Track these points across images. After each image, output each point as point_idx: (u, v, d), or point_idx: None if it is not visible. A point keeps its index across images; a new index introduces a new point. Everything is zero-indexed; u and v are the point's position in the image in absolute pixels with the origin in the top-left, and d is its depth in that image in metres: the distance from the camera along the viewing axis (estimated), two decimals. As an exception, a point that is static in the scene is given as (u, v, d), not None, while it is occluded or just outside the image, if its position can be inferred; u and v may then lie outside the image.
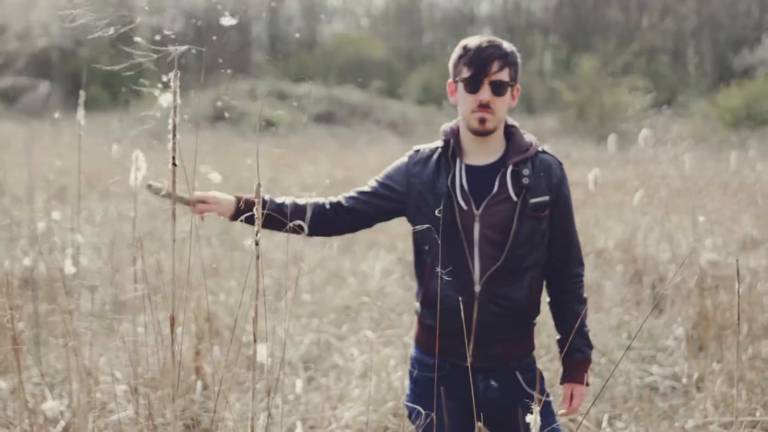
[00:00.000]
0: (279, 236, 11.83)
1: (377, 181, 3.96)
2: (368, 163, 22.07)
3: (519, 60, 3.85)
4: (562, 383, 3.98)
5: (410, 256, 11.06)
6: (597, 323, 7.83)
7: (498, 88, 3.75)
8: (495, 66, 3.73)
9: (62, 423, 5.32)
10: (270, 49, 58.89)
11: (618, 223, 12.26)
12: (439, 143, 3.90)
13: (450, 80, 3.90)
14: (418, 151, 3.94)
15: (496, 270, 3.71)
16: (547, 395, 3.92)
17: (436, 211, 3.69)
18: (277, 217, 3.88)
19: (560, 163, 3.93)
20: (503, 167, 3.80)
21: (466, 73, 3.76)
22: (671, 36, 54.06)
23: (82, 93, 4.77)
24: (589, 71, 40.78)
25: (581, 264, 3.99)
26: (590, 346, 3.96)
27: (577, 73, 42.02)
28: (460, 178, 3.77)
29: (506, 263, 3.72)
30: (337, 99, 42.97)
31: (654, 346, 7.74)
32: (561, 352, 3.97)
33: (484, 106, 3.74)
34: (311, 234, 3.99)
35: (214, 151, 22.35)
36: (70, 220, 5.71)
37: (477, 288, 3.72)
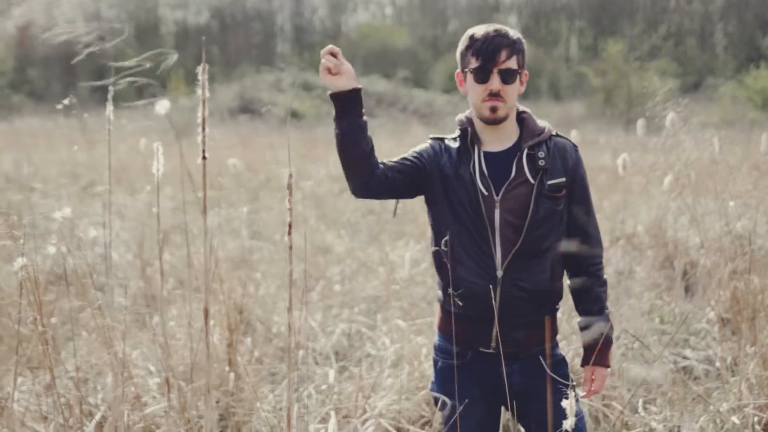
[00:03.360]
0: (306, 227, 11.83)
1: (408, 154, 4.01)
2: (395, 152, 22.04)
3: (525, 46, 3.87)
4: (583, 365, 4.01)
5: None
6: (629, 309, 7.80)
7: (507, 77, 3.77)
8: (503, 55, 3.75)
9: (97, 417, 5.35)
10: (295, 41, 58.95)
11: (648, 207, 12.21)
12: (456, 133, 3.94)
13: (458, 71, 3.91)
14: (439, 139, 3.99)
15: (516, 253, 3.73)
16: (571, 381, 3.90)
17: (460, 198, 3.77)
18: (361, 131, 3.89)
19: (575, 146, 3.95)
20: (519, 152, 3.83)
21: (474, 63, 3.78)
22: (699, 18, 53.76)
23: (110, 88, 4.77)
24: (616, 56, 40.66)
25: (600, 245, 4.00)
26: (612, 328, 3.98)
27: (603, 58, 41.89)
28: (480, 164, 3.81)
29: (525, 245, 3.75)
30: (363, 89, 42.93)
31: (687, 330, 7.71)
32: (582, 335, 3.98)
33: (494, 95, 3.77)
34: (358, 177, 3.98)
35: (240, 144, 22.39)
36: (102, 215, 5.72)
37: (499, 273, 3.74)
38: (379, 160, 3.91)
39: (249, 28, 58.16)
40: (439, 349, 3.99)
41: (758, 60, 40.84)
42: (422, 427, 5.68)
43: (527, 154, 3.81)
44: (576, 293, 4.01)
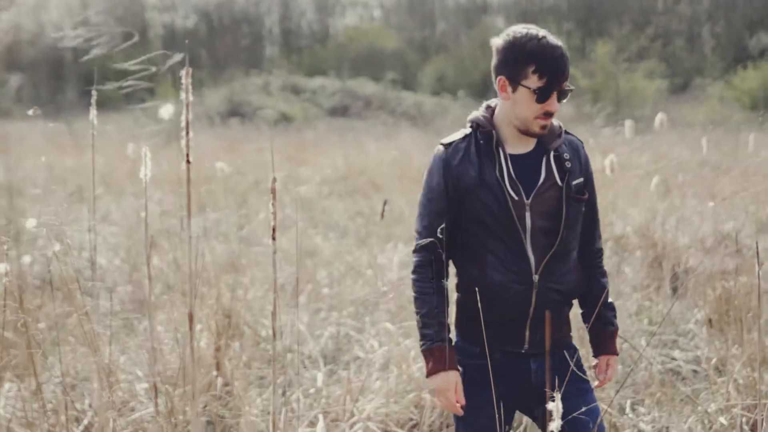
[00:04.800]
0: (294, 231, 11.84)
1: (433, 206, 3.82)
2: (383, 155, 22.06)
3: None
4: (596, 356, 4.04)
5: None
6: (617, 309, 7.79)
7: (563, 96, 3.71)
8: (566, 76, 3.68)
9: (84, 422, 5.34)
10: (283, 44, 58.94)
11: (636, 208, 12.21)
12: (465, 131, 3.85)
13: (503, 77, 3.71)
14: (449, 145, 3.83)
15: (550, 257, 3.72)
16: (585, 372, 3.94)
17: (489, 204, 3.70)
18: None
19: (581, 142, 3.95)
20: (545, 153, 3.79)
21: (537, 82, 3.62)
22: (686, 19, 53.88)
23: (94, 92, 4.75)
24: (604, 57, 40.70)
25: (601, 238, 4.05)
26: (616, 317, 4.05)
27: (591, 59, 41.93)
28: (507, 168, 3.72)
29: (559, 248, 3.74)
30: (351, 92, 43.02)
31: (675, 330, 7.72)
32: (588, 325, 4.02)
33: (548, 115, 3.68)
34: None
35: (228, 148, 22.38)
36: (87, 220, 5.71)
37: (536, 277, 3.71)
38: (424, 245, 3.82)
39: (237, 31, 58.14)
40: (458, 351, 3.89)
41: (746, 60, 40.94)
42: (410, 430, 5.68)
43: (554, 156, 3.79)
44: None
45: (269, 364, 7.12)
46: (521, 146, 3.77)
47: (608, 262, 9.47)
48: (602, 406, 5.95)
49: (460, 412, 3.75)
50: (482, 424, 3.81)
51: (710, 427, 5.60)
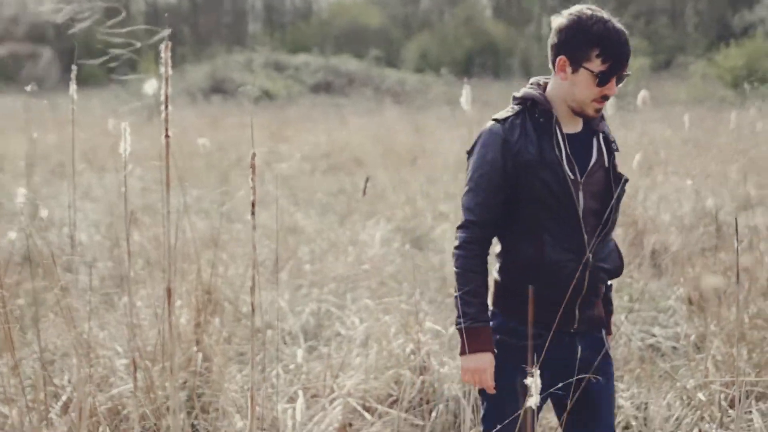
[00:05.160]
0: (276, 208, 11.83)
1: (487, 182, 3.75)
2: (366, 131, 22.04)
3: None
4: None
5: (410, 224, 11.06)
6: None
7: (621, 81, 3.70)
8: (628, 61, 3.67)
9: (63, 398, 5.33)
10: (266, 20, 58.73)
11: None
12: (514, 108, 3.80)
13: (563, 56, 3.68)
14: (504, 120, 3.76)
15: (602, 236, 3.73)
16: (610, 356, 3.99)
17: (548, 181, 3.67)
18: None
19: None
20: (593, 134, 3.80)
21: (600, 66, 3.61)
22: (669, -3, 53.87)
23: (74, 68, 4.73)
24: (587, 35, 40.61)
25: None
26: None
27: (574, 37, 41.84)
28: (564, 146, 3.71)
29: (608, 228, 3.76)
30: (335, 68, 42.92)
31: (655, 307, 7.75)
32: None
33: (606, 98, 3.69)
34: None
35: (211, 124, 22.32)
36: (68, 196, 5.68)
37: (590, 255, 3.69)
38: (473, 220, 3.76)
39: (220, 7, 57.90)
40: (504, 331, 3.81)
41: (728, 38, 40.96)
42: (390, 405, 5.69)
43: (603, 137, 3.81)
44: None
45: (249, 341, 7.12)
46: (572, 126, 3.77)
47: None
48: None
49: (493, 391, 3.72)
50: (516, 408, 3.71)
51: (689, 403, 5.63)
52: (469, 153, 3.85)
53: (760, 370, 5.85)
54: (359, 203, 12.45)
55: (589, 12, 3.64)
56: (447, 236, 10.69)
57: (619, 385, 6.10)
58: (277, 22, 57.96)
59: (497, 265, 3.87)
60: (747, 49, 36.07)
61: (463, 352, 3.71)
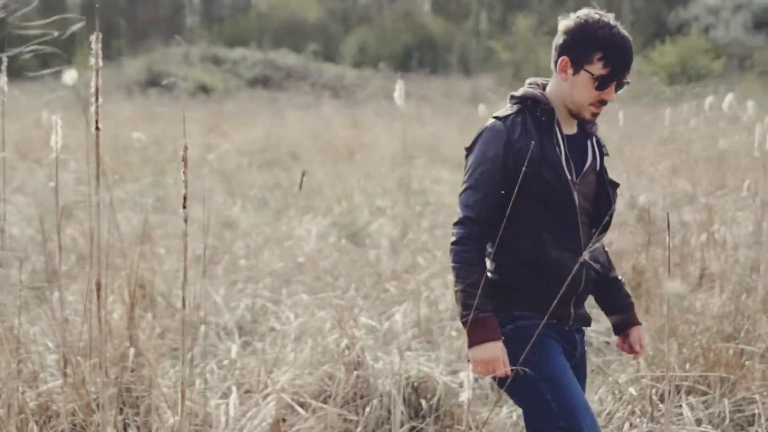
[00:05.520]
0: (212, 202, 11.76)
1: (488, 179, 3.73)
2: (304, 126, 21.98)
3: None
4: (627, 329, 4.08)
5: (347, 219, 11.05)
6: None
7: (621, 87, 3.73)
8: (630, 69, 3.71)
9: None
10: (204, 13, 58.37)
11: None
12: (514, 107, 3.82)
13: (566, 57, 3.73)
14: (506, 118, 3.78)
15: (595, 237, 3.76)
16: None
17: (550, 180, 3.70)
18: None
19: None
20: (587, 137, 3.86)
21: (601, 70, 3.65)
22: (605, -6, 54.27)
23: (4, 59, 4.66)
24: (525, 30, 40.89)
25: None
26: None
27: (512, 33, 42.11)
28: (564, 147, 3.74)
29: (603, 229, 3.81)
30: (273, 63, 42.78)
31: (589, 303, 7.78)
32: (607, 302, 4.09)
33: (604, 103, 3.72)
34: None
35: (147, 118, 22.14)
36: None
37: (587, 255, 3.68)
38: (473, 217, 3.73)
39: (157, 0, 57.47)
40: (520, 317, 3.78)
41: (664, 35, 41.37)
42: (324, 401, 5.67)
43: (596, 140, 3.88)
44: None
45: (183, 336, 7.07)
46: (569, 127, 3.82)
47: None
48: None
49: (509, 374, 3.66)
50: (562, 364, 3.77)
51: (620, 398, 5.67)
52: (469, 150, 3.84)
53: (689, 365, 5.91)
54: (296, 198, 12.42)
55: (596, 16, 3.69)
56: (384, 231, 10.70)
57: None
58: (215, 16, 57.63)
59: (492, 266, 3.82)
60: (681, 47, 36.45)
61: (472, 344, 3.68)
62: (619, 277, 4.09)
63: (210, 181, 14.11)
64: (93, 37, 3.30)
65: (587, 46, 3.67)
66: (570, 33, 3.73)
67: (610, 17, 3.70)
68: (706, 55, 35.58)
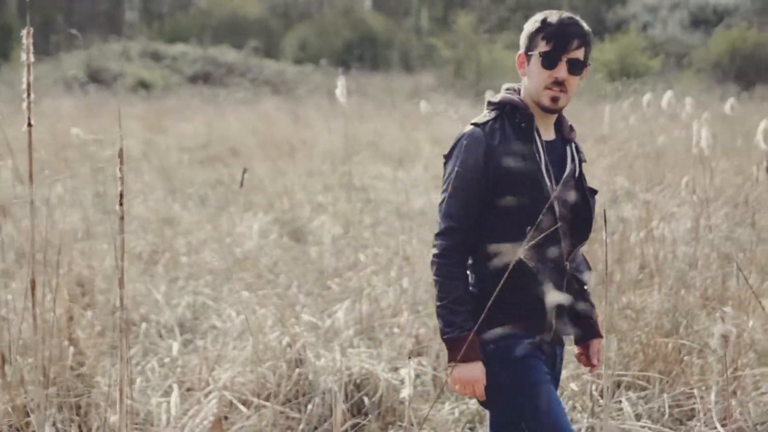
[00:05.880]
0: (153, 199, 11.70)
1: (468, 188, 3.66)
2: (245, 122, 21.90)
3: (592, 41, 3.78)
4: (587, 340, 3.98)
5: (288, 216, 11.02)
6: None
7: (574, 67, 3.65)
8: (575, 43, 3.64)
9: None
10: (143, 9, 57.95)
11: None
12: (492, 113, 3.74)
13: (521, 52, 3.75)
14: (484, 124, 3.70)
15: (577, 246, 3.75)
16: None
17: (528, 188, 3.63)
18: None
19: None
20: (567, 144, 3.80)
21: (544, 47, 3.64)
22: (545, -9, 54.58)
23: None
24: (466, 27, 40.99)
25: None
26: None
27: (453, 30, 42.20)
28: (543, 154, 3.68)
29: (583, 238, 3.78)
30: (213, 59, 42.53)
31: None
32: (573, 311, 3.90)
33: (558, 84, 3.63)
34: None
35: (87, 114, 21.90)
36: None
37: (567, 264, 3.70)
38: (450, 228, 3.68)
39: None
40: (505, 338, 3.68)
41: (603, 33, 41.69)
42: (266, 399, 5.65)
43: (574, 147, 3.82)
44: None
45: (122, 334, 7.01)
46: (548, 132, 3.76)
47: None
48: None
49: (484, 398, 3.67)
50: (550, 396, 3.68)
51: (561, 394, 5.70)
52: (447, 157, 3.75)
53: (629, 361, 5.96)
54: (237, 195, 12.37)
55: (548, 11, 3.73)
56: (325, 228, 10.69)
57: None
58: (155, 11, 57.23)
59: (471, 279, 3.75)
60: (620, 44, 36.75)
61: (456, 362, 3.61)
62: (586, 287, 3.95)
63: (150, 177, 14.05)
64: (24, 32, 3.26)
65: (532, 33, 3.70)
66: (522, 32, 3.76)
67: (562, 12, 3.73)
68: (644, 52, 35.91)
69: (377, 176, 15.16)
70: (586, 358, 3.99)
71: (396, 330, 6.87)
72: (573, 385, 5.68)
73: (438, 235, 3.69)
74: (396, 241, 9.21)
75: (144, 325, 7.07)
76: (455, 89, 32.50)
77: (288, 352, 5.95)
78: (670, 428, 5.41)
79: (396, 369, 6.07)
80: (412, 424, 5.34)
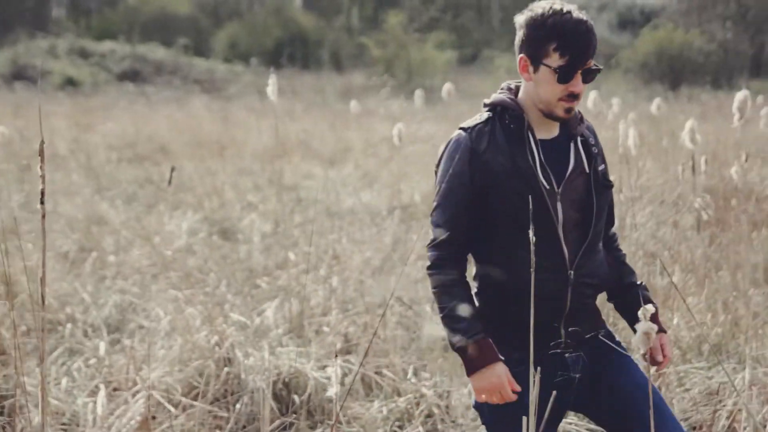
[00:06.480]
0: (80, 198, 11.58)
1: (456, 196, 3.48)
2: (174, 121, 21.77)
3: None
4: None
5: (217, 215, 10.98)
6: (404, 276, 7.90)
7: (589, 76, 3.44)
8: (591, 53, 3.39)
9: None
10: (70, 6, 57.35)
11: (425, 176, 12.39)
12: (485, 115, 3.55)
13: (523, 55, 3.47)
14: (471, 128, 3.51)
15: (583, 250, 3.49)
16: (624, 348, 3.72)
17: (522, 193, 3.38)
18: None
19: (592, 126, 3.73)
20: (572, 139, 3.55)
21: (559, 60, 3.36)
22: (475, -8, 54.89)
23: None
24: (396, 27, 41.10)
25: (614, 222, 3.85)
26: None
27: (384, 29, 42.30)
28: (538, 155, 3.46)
29: (591, 240, 3.52)
30: (142, 57, 42.22)
31: (460, 297, 7.83)
32: (626, 309, 3.76)
33: (574, 96, 3.41)
34: None
35: (13, 112, 21.65)
36: None
37: (571, 272, 3.47)
38: (445, 239, 3.49)
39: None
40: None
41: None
42: (194, 398, 5.62)
43: (581, 141, 3.56)
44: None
45: (50, 333, 6.94)
46: (547, 131, 3.53)
47: (397, 230, 9.61)
48: (387, 373, 6.03)
49: (514, 398, 3.42)
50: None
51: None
52: (437, 165, 3.58)
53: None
54: (166, 193, 12.29)
55: (546, 5, 3.42)
56: (255, 226, 10.64)
57: (423, 374, 6.18)
58: (83, 8, 56.66)
59: (474, 289, 3.58)
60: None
61: (470, 373, 3.46)
62: (639, 282, 3.78)
63: (78, 176, 13.91)
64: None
65: (540, 38, 3.40)
66: (522, 29, 3.48)
67: (564, 4, 3.42)
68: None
69: (308, 175, 15.13)
70: (650, 357, 3.65)
71: (325, 329, 6.86)
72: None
73: (430, 247, 3.54)
74: (326, 240, 9.22)
75: (69, 325, 7.00)
76: (386, 89, 32.59)
77: (216, 351, 5.92)
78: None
79: (325, 367, 6.07)
80: (340, 423, 5.35)
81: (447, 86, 12.24)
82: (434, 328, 6.46)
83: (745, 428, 4.82)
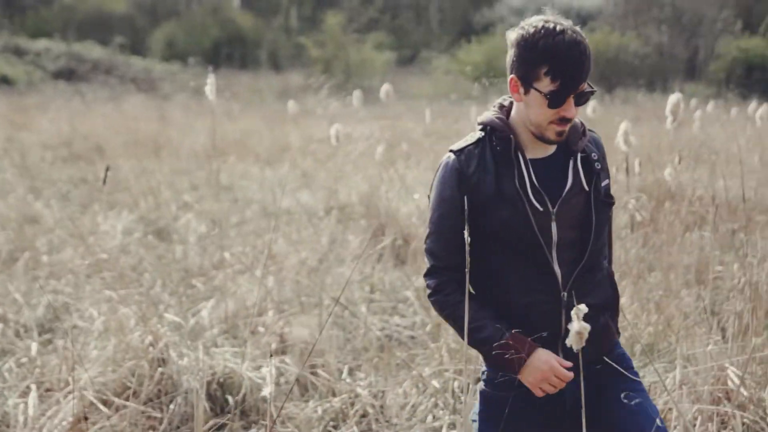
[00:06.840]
0: (14, 197, 11.45)
1: (448, 222, 3.39)
2: (110, 120, 21.61)
3: None
4: None
5: (152, 215, 10.91)
6: (339, 277, 7.91)
7: (582, 99, 3.27)
8: (583, 77, 3.23)
9: None
10: (5, 3, 56.68)
11: (361, 177, 12.41)
12: (476, 135, 3.43)
13: (513, 76, 3.30)
14: (460, 151, 3.40)
15: (579, 270, 3.36)
16: (636, 373, 3.58)
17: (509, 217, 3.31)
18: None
19: (599, 137, 3.57)
20: (570, 155, 3.40)
21: (550, 85, 3.20)
22: (414, -7, 55.05)
23: None
24: (335, 27, 41.14)
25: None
26: None
27: (322, 30, 42.31)
28: (528, 175, 3.33)
29: (588, 260, 3.37)
30: (78, 55, 41.85)
31: (395, 297, 7.87)
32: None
33: (565, 120, 3.27)
34: None
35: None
36: None
37: (564, 295, 3.35)
38: (440, 266, 3.43)
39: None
40: (489, 384, 3.55)
41: (470, 35, 42.25)
42: (128, 398, 5.58)
43: (581, 158, 3.41)
44: None
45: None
46: (542, 149, 3.38)
47: (334, 230, 9.60)
48: (322, 373, 6.04)
49: (572, 376, 3.32)
50: None
51: (424, 390, 5.76)
52: (430, 190, 3.49)
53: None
54: (101, 193, 12.19)
55: (539, 24, 3.24)
56: (191, 226, 10.59)
57: (358, 374, 6.19)
58: (17, 5, 56.01)
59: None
60: (487, 46, 37.28)
61: (517, 372, 3.36)
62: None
63: (11, 175, 13.76)
64: None
65: (530, 61, 3.23)
66: (513, 48, 3.31)
67: (559, 22, 3.24)
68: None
69: (244, 175, 15.08)
70: None
71: (261, 329, 6.85)
72: (435, 383, 5.73)
73: (426, 275, 3.47)
74: (262, 240, 9.19)
75: (1, 325, 6.93)
76: (324, 89, 32.57)
77: (150, 352, 5.89)
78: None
79: (260, 368, 6.07)
80: (274, 423, 5.34)
81: (385, 87, 12.25)
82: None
83: (675, 427, 4.87)
